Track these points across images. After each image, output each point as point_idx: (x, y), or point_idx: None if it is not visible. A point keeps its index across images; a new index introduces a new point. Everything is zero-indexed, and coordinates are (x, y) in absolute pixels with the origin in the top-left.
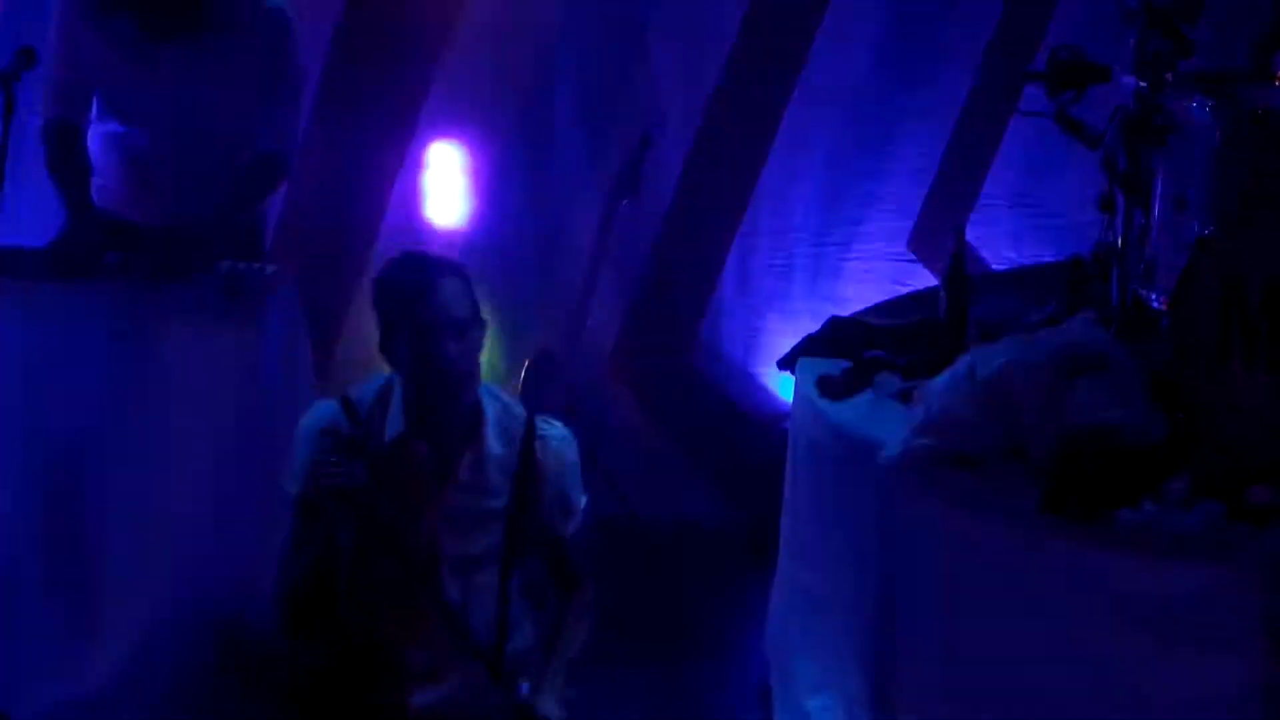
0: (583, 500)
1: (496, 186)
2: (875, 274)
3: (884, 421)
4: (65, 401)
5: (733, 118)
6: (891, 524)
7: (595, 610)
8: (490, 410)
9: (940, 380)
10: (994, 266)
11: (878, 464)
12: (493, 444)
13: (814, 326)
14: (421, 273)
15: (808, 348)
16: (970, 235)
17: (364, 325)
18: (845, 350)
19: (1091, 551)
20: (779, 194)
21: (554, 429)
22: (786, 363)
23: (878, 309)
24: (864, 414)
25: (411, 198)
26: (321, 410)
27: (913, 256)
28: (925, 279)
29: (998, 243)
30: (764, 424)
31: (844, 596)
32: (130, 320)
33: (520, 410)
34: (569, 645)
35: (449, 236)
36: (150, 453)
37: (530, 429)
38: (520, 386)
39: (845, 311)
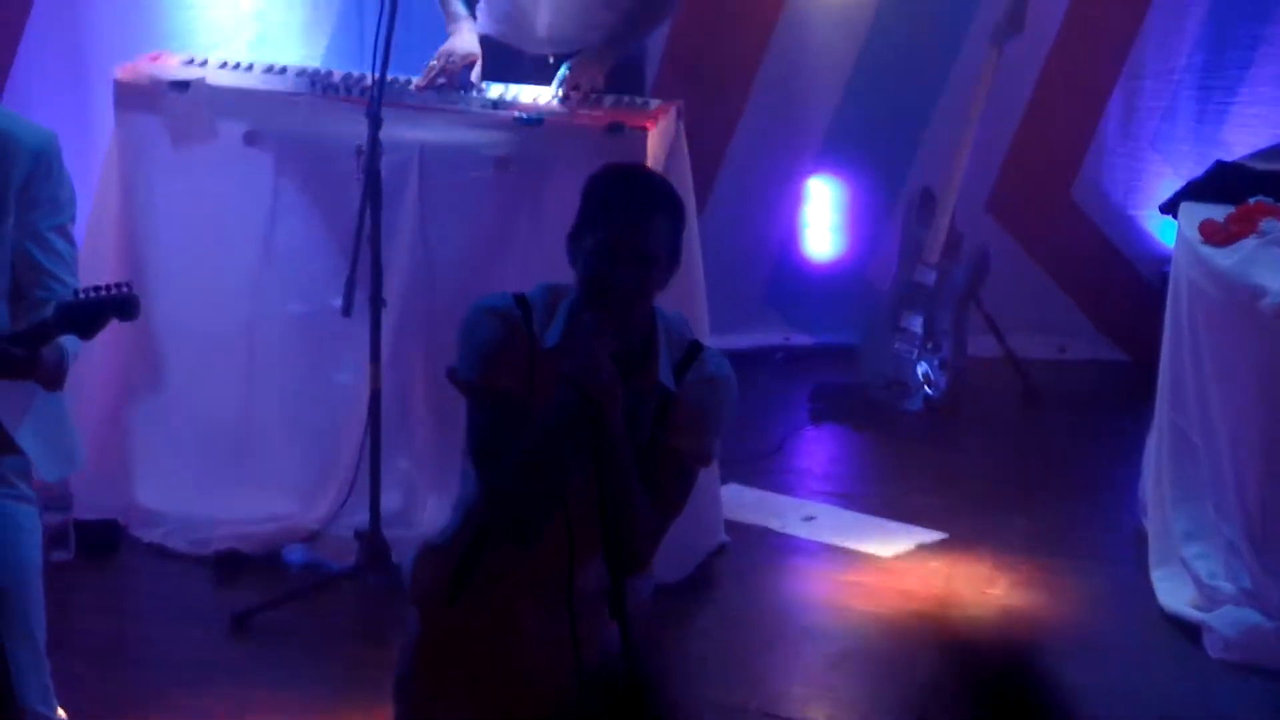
0: (712, 446)
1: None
2: (1262, 118)
3: (1268, 268)
4: (453, 232)
5: None
6: (1275, 372)
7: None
8: (663, 339)
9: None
10: None
11: (1261, 310)
12: (665, 376)
13: (1197, 171)
14: (634, 198)
15: (1191, 192)
16: None
17: (744, 160)
18: (1230, 195)
19: None
20: (1164, 33)
21: (709, 366)
22: (1169, 206)
23: (1264, 154)
24: (1248, 260)
25: None
26: (493, 299)
27: None
28: None
29: None
30: (1146, 266)
31: (1223, 444)
32: (516, 151)
33: (687, 338)
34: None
35: None
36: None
37: (687, 359)
38: (902, 222)
39: (1230, 156)
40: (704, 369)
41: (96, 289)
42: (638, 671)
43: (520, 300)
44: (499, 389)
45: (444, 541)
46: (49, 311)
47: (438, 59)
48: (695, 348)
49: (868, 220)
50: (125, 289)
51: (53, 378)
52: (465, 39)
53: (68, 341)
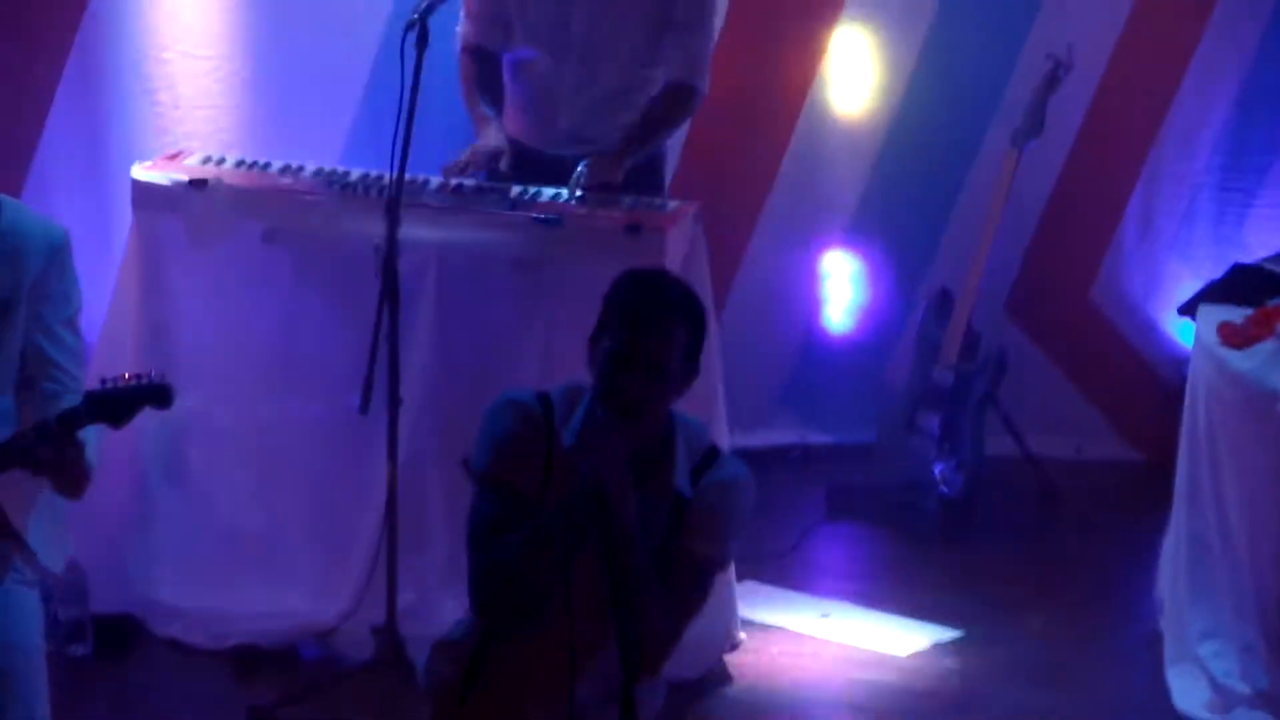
0: (727, 549)
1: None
2: None
3: None
4: (471, 331)
5: (1143, 53)
6: None
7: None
8: (680, 443)
9: None
10: None
11: (1278, 413)
12: (681, 481)
13: (1216, 274)
14: (652, 308)
15: (1209, 294)
16: None
17: (762, 259)
18: (1248, 297)
19: None
20: (1184, 136)
21: (726, 471)
22: (1187, 309)
23: None
24: (1266, 363)
25: None
26: (516, 394)
27: None
28: None
29: None
30: (1164, 368)
31: (1240, 546)
32: (534, 251)
33: (705, 443)
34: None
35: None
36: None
37: (703, 464)
38: (918, 323)
39: (1249, 258)
40: (720, 473)
41: (131, 377)
42: None
43: (543, 398)
44: (508, 482)
45: (456, 638)
46: (76, 400)
47: (466, 153)
48: (713, 453)
49: (886, 319)
50: (158, 377)
51: (76, 484)
52: (493, 136)
53: (89, 444)
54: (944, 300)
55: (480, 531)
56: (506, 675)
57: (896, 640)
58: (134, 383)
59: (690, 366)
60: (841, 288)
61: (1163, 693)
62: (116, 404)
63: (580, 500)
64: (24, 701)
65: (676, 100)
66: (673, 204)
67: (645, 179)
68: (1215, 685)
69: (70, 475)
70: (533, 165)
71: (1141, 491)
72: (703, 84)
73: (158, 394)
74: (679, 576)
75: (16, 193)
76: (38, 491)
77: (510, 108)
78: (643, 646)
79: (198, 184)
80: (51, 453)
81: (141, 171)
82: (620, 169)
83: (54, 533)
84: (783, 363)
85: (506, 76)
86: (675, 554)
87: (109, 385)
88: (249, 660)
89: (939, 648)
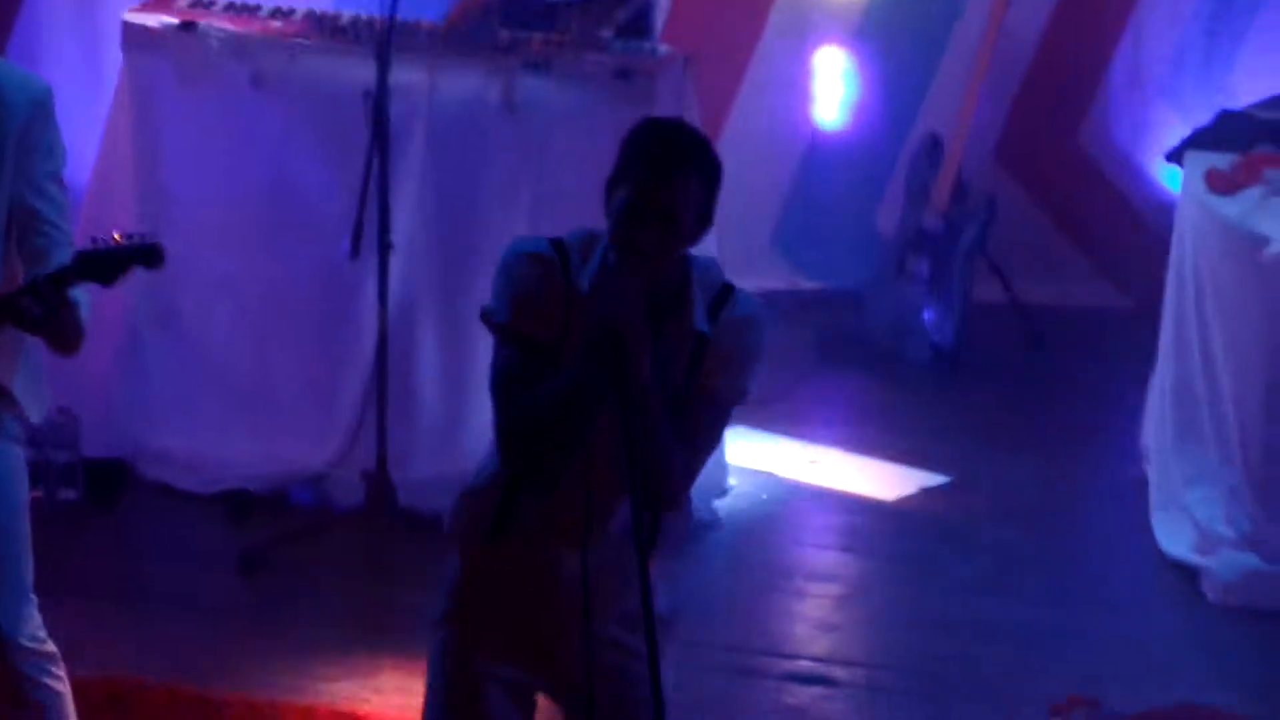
0: (748, 383)
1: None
2: (1268, 66)
3: (1273, 217)
4: (460, 175)
5: None
6: (1276, 319)
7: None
8: (696, 285)
9: None
10: None
11: (1264, 259)
12: (700, 321)
13: (1204, 119)
14: (666, 154)
15: (1196, 140)
16: None
17: (752, 108)
18: (1235, 144)
19: None
20: None
21: (742, 307)
22: (1175, 155)
23: (1270, 103)
24: (1252, 209)
25: None
26: (531, 243)
27: None
28: None
29: None
30: (1151, 214)
31: (1225, 391)
32: (524, 96)
33: (719, 281)
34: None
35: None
36: (538, 228)
37: (719, 301)
38: (907, 169)
39: (1237, 104)
40: (737, 309)
41: (123, 236)
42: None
43: (557, 245)
44: (528, 333)
45: (482, 483)
46: (66, 258)
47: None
48: (727, 290)
49: (876, 164)
50: (150, 236)
51: (69, 342)
52: None
53: (81, 303)
54: (934, 146)
55: (504, 383)
56: (533, 519)
57: (885, 485)
58: (125, 242)
59: (704, 216)
60: (832, 130)
61: (1149, 535)
62: (107, 263)
63: (598, 345)
64: (9, 559)
65: None
66: (663, 49)
67: (636, 25)
68: (1200, 529)
69: (64, 333)
70: (519, 6)
71: (1128, 337)
72: None
73: (148, 254)
74: (700, 412)
75: (3, 41)
76: (21, 346)
77: None
78: (661, 485)
79: (187, 26)
80: (43, 312)
81: (132, 14)
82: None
83: (35, 386)
84: (772, 208)
85: None
86: (697, 391)
87: (100, 244)
88: (240, 504)
89: (927, 492)
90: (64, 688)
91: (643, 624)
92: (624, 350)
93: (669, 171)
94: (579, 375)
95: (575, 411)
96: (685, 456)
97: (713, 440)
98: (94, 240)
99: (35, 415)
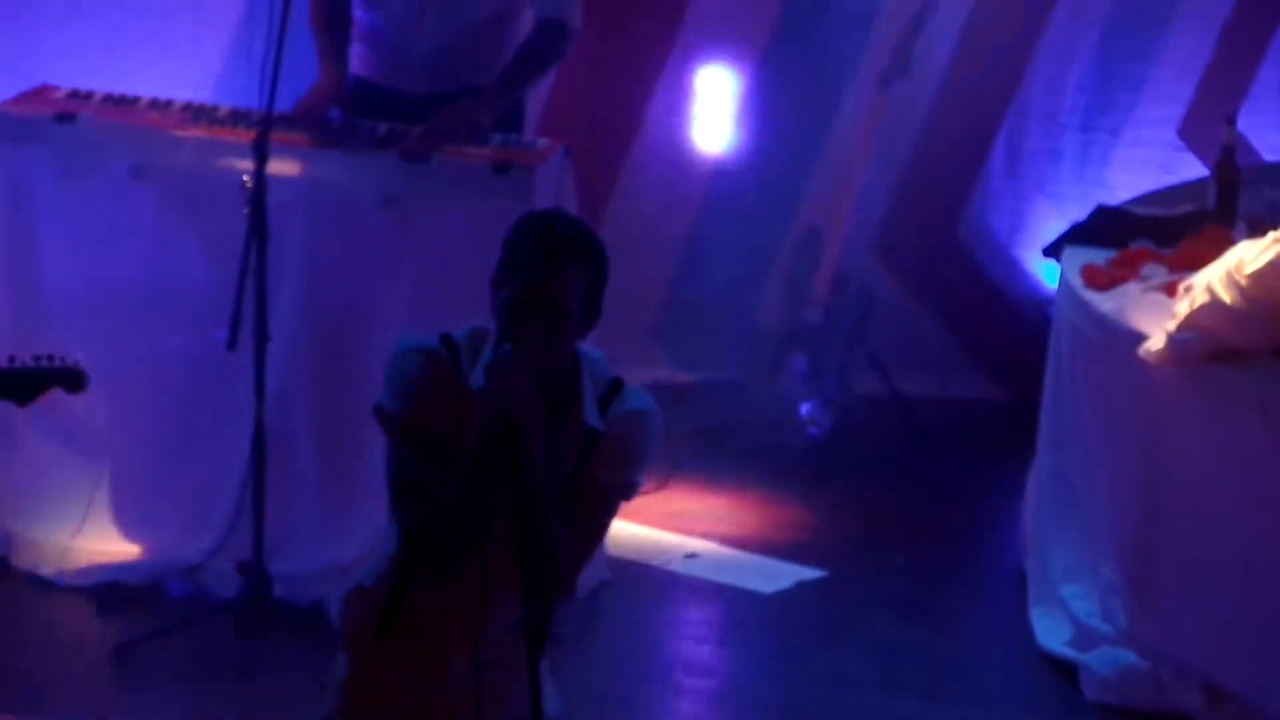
0: (638, 477)
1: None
2: (1144, 161)
3: (1149, 313)
4: (339, 268)
5: None
6: (1154, 417)
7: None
8: (586, 379)
9: (1207, 273)
10: (1265, 158)
11: (1141, 356)
12: (591, 415)
13: (1081, 213)
14: (549, 247)
15: (1073, 236)
16: (1242, 125)
17: (632, 198)
18: (1112, 239)
19: None
20: (1050, 76)
21: (632, 401)
22: (1052, 250)
23: (1145, 199)
24: (1129, 305)
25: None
26: (421, 339)
27: (1183, 144)
28: (1195, 168)
29: (1269, 133)
30: (1029, 308)
31: (1102, 487)
32: (402, 189)
33: (608, 375)
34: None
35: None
36: (417, 322)
37: (609, 396)
38: (786, 261)
39: (1113, 200)
40: (628, 403)
41: (43, 358)
42: None
43: (447, 341)
44: (424, 427)
45: (371, 582)
46: None
47: (305, 97)
48: (617, 384)
49: (754, 259)
50: (71, 360)
51: None
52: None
53: None
54: (812, 239)
55: (401, 479)
56: (422, 616)
57: (762, 579)
58: (44, 364)
59: (592, 306)
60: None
61: (1027, 630)
62: (24, 384)
63: (493, 435)
64: None
65: (550, 37)
66: (541, 142)
67: (506, 118)
68: (1078, 625)
69: None
70: (390, 107)
71: (1007, 430)
72: (575, 19)
73: (69, 377)
74: (589, 505)
75: None
76: None
77: (359, 43)
78: (553, 574)
79: (65, 118)
80: None
81: (7, 105)
82: (493, 110)
83: None
84: (654, 299)
85: (359, 15)
86: (586, 484)
87: (17, 364)
88: (114, 596)
89: (804, 586)
90: None
91: None
92: (519, 437)
93: (552, 265)
94: (476, 466)
95: (473, 504)
96: (573, 546)
97: (600, 533)
98: (11, 359)
99: None
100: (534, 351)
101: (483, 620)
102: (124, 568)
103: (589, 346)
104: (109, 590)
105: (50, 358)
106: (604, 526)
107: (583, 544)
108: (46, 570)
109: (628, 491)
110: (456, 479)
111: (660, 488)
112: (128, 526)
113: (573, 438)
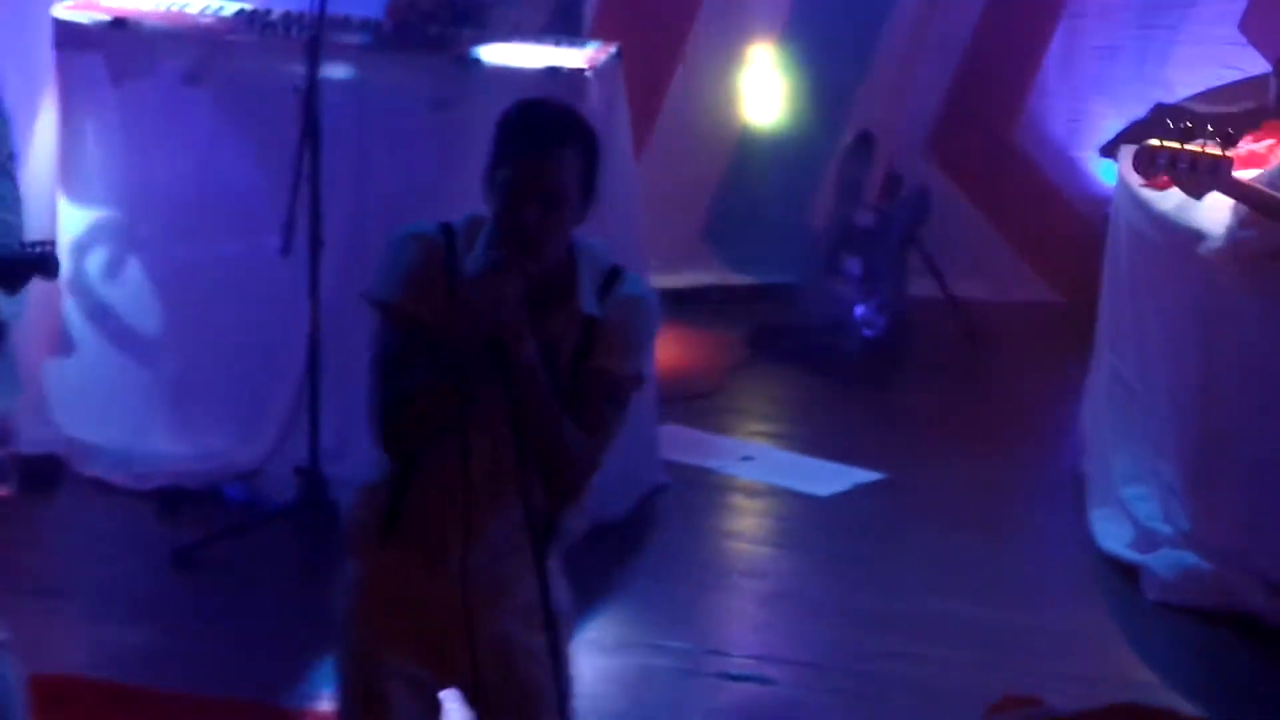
0: (639, 363)
1: None
2: (1204, 58)
3: (1208, 211)
4: (391, 172)
5: None
6: (1213, 315)
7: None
8: (583, 267)
9: (1269, 171)
10: None
11: (1200, 254)
12: (589, 304)
13: (1139, 111)
14: (541, 130)
15: (1132, 134)
16: None
17: (684, 101)
18: (1171, 138)
19: None
20: None
21: (629, 287)
22: (1109, 149)
23: (1205, 95)
24: (1188, 203)
25: None
26: (420, 227)
27: (1244, 39)
28: (1257, 63)
29: None
30: (1086, 208)
31: (1160, 387)
32: (454, 92)
33: (607, 263)
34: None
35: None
36: None
37: (607, 283)
38: (839, 165)
39: (1172, 96)
40: (625, 289)
41: (22, 245)
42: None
43: (445, 228)
44: (411, 314)
45: (377, 481)
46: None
47: None
48: (615, 272)
49: (807, 160)
50: (47, 246)
51: None
52: None
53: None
54: (865, 142)
55: (384, 363)
56: (420, 517)
57: (818, 482)
58: (23, 249)
59: (586, 190)
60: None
61: (1086, 532)
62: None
63: (471, 340)
64: None
65: None
66: (593, 44)
67: (565, 20)
68: (1138, 526)
69: None
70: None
71: (1063, 333)
72: None
73: (43, 264)
74: (594, 397)
75: None
76: None
77: None
78: (560, 470)
79: (119, 23)
80: None
81: (63, 10)
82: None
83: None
84: (704, 203)
85: None
86: (588, 375)
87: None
88: (173, 500)
89: (861, 489)
90: (14, 674)
91: (540, 620)
92: (506, 349)
93: (547, 147)
94: (451, 363)
95: (450, 394)
96: (584, 444)
97: (611, 425)
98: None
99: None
100: (524, 256)
101: (470, 521)
102: (182, 473)
103: (606, 245)
104: (168, 494)
105: (35, 243)
106: (613, 419)
107: (595, 440)
108: (107, 474)
109: (630, 378)
110: (435, 369)
111: (716, 390)
112: (185, 432)
113: (571, 327)
